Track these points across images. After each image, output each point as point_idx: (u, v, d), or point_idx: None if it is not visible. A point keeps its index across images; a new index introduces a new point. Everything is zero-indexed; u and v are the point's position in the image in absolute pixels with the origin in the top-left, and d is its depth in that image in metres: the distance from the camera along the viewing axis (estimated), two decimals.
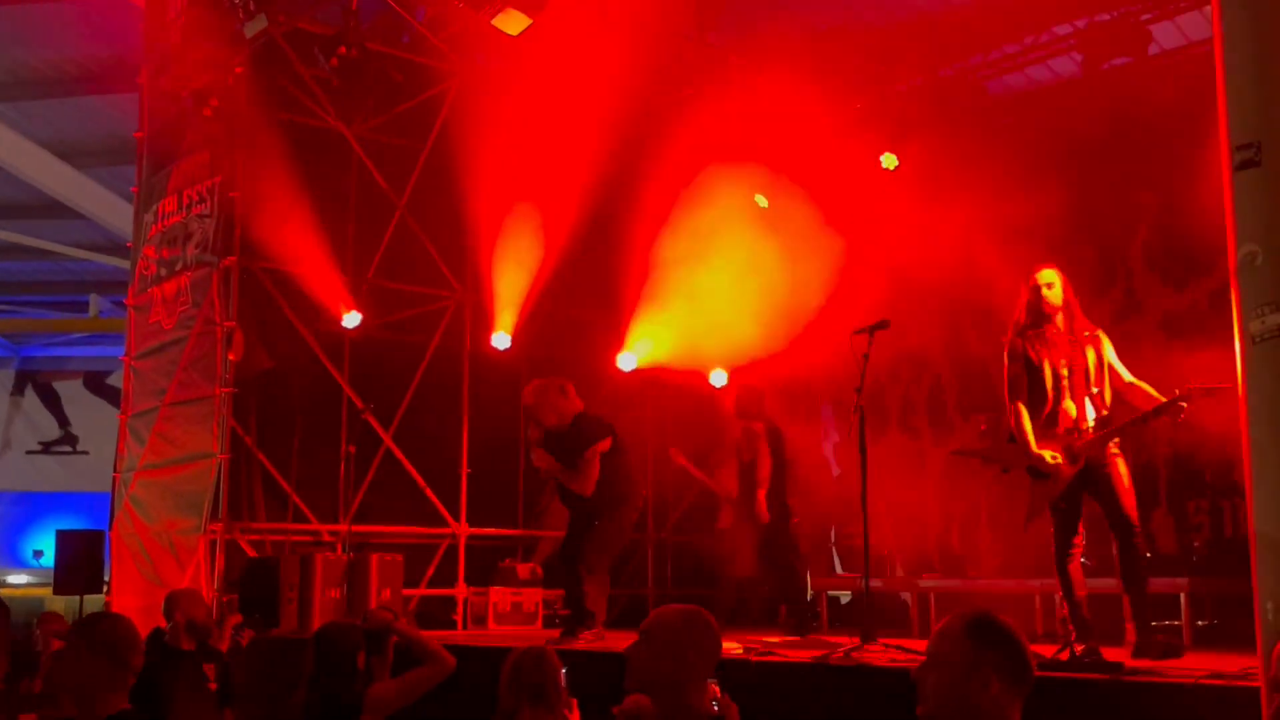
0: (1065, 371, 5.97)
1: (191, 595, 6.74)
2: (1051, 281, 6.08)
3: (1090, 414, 5.93)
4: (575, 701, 4.49)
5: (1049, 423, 5.97)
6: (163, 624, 6.53)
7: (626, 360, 10.61)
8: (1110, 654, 5.18)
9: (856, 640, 5.95)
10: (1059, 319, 6.07)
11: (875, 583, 6.49)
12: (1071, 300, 6.12)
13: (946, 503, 10.58)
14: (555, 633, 8.17)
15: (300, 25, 9.99)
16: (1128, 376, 6.02)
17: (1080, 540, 5.96)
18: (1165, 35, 9.72)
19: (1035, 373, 6.01)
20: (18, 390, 22.21)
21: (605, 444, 7.68)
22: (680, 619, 3.38)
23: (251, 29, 9.12)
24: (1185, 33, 9.73)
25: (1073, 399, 5.94)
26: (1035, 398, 6.00)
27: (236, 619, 6.48)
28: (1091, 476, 5.92)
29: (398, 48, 10.58)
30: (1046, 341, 6.05)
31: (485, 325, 10.68)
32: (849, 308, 9.26)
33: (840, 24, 10.72)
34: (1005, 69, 10.66)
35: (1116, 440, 5.93)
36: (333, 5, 10.22)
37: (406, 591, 9.53)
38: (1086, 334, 6.07)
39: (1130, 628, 5.75)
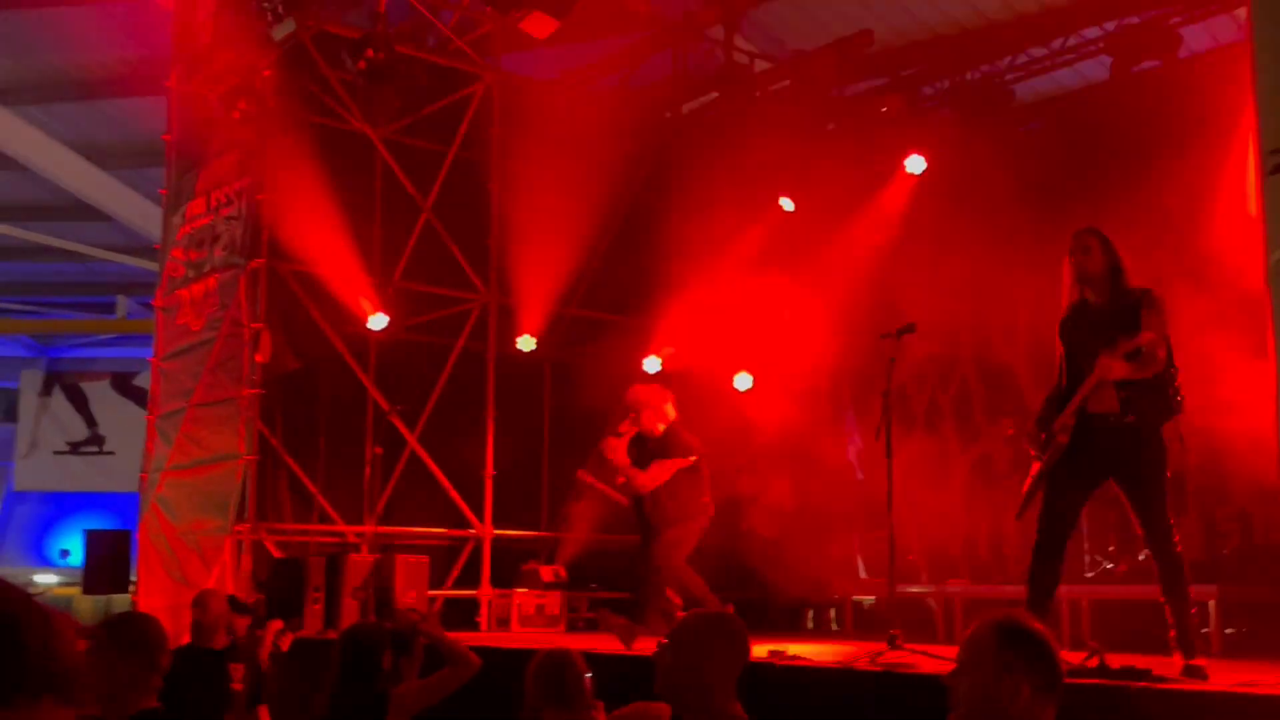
0: (1084, 350, 5.27)
1: (217, 596, 6.77)
2: (1086, 245, 5.39)
3: (1103, 395, 5.19)
4: (601, 704, 4.49)
5: (1060, 410, 5.37)
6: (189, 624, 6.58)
7: (651, 364, 10.61)
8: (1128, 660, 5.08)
9: (883, 645, 5.92)
10: (1101, 288, 5.36)
11: (901, 587, 6.44)
12: (1119, 263, 5.37)
13: (973, 507, 10.53)
14: (579, 636, 8.20)
15: (328, 28, 10.04)
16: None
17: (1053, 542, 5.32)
18: (1195, 38, 9.67)
19: (1063, 355, 5.47)
20: (45, 391, 22.39)
21: (687, 461, 7.79)
22: (706, 624, 3.37)
23: (280, 32, 9.17)
24: (1215, 36, 9.67)
25: (1085, 380, 5.24)
26: (1063, 383, 5.43)
27: (278, 624, 6.48)
28: (1116, 472, 5.29)
29: (424, 51, 10.62)
30: (1075, 317, 5.43)
31: (510, 328, 10.71)
32: (875, 311, 9.24)
33: (866, 28, 10.70)
34: (1033, 72, 10.62)
35: (1153, 423, 5.19)
36: (360, 8, 10.28)
37: (431, 593, 9.56)
38: (1129, 300, 5.26)
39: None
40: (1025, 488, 5.62)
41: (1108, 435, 5.26)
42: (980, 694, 2.59)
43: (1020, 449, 9.64)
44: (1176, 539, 5.17)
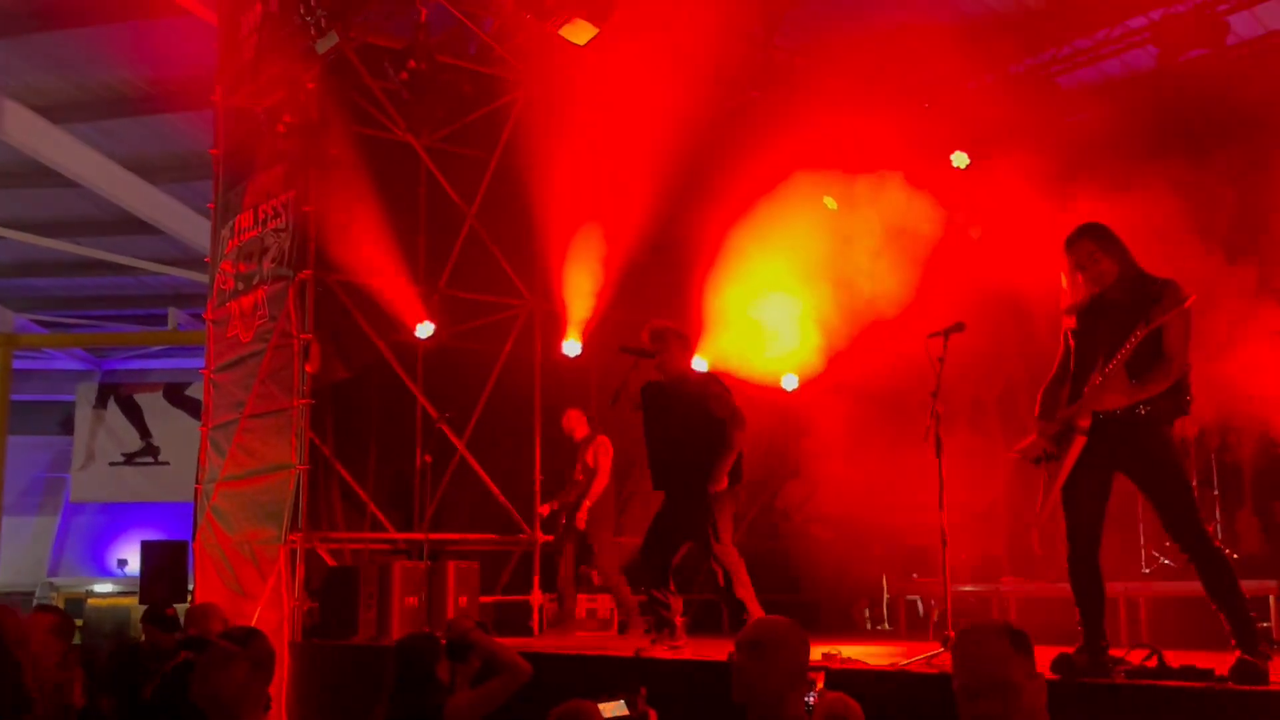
0: (1095, 341, 5.14)
1: (209, 610, 6.79)
2: (1093, 255, 5.22)
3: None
4: (654, 713, 4.50)
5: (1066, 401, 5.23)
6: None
7: (698, 366, 10.57)
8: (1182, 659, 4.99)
9: (937, 646, 5.88)
10: (1119, 286, 5.18)
11: (953, 587, 6.38)
12: (1128, 256, 5.23)
13: (1021, 505, 10.42)
14: (630, 638, 8.21)
15: (370, 40, 10.11)
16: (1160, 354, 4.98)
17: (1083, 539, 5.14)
18: (1244, 25, 9.53)
19: (1070, 344, 5.33)
20: (100, 403, 22.71)
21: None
22: (790, 632, 3.38)
23: (323, 45, 9.24)
24: (1264, 22, 9.53)
25: (1095, 374, 5.11)
26: (1072, 376, 5.29)
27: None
28: (1124, 468, 5.14)
29: (466, 59, 10.68)
30: (1088, 305, 5.26)
31: (556, 333, 10.74)
32: (921, 309, 9.17)
33: (907, 23, 10.62)
34: (1078, 64, 10.52)
35: (1159, 417, 5.04)
36: (402, 19, 10.34)
37: (483, 599, 9.61)
38: (1150, 291, 5.05)
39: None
40: (1040, 497, 5.35)
41: (1113, 428, 5.09)
42: (1020, 705, 2.66)
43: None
44: (1207, 532, 5.00)
